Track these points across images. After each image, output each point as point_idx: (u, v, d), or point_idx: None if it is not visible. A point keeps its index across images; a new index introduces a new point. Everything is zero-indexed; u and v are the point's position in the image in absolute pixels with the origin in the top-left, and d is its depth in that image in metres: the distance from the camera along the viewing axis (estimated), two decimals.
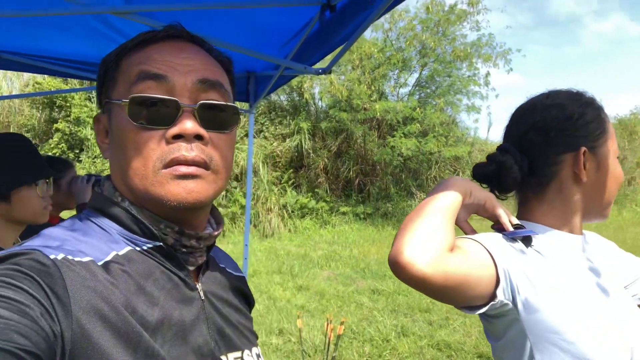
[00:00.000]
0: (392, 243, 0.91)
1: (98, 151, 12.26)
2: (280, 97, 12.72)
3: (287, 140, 11.91)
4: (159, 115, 0.65)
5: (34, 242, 0.61)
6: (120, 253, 0.66)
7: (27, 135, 12.06)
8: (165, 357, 0.60)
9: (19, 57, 2.60)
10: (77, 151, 11.86)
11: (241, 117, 0.78)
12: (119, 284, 0.61)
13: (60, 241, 0.62)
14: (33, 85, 11.61)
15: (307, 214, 10.98)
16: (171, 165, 0.65)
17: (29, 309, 0.51)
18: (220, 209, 10.66)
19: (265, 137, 12.01)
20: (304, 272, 7.24)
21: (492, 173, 1.05)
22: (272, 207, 10.60)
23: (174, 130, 0.65)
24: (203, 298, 0.72)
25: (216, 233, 0.76)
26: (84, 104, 12.08)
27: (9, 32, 2.36)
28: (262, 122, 12.24)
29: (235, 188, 10.83)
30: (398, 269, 0.86)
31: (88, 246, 0.63)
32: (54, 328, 0.53)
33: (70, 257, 0.59)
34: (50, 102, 11.73)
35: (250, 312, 0.89)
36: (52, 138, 11.56)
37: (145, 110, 0.65)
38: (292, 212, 10.83)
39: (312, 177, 11.73)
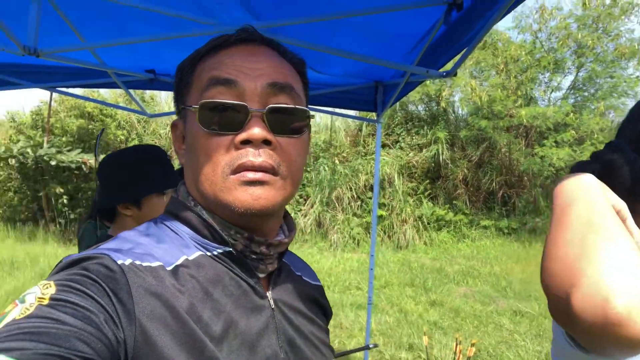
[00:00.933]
0: (558, 275, 0.64)
1: None
2: (418, 107, 12.49)
3: (424, 150, 11.63)
4: (228, 120, 0.65)
5: (108, 245, 0.63)
6: (191, 258, 0.66)
7: None
8: None
9: (171, 78, 2.94)
10: None
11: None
12: (186, 291, 0.61)
13: (132, 244, 0.64)
14: None
15: (443, 226, 10.55)
16: (239, 171, 0.64)
17: (94, 316, 0.51)
18: (354, 219, 10.81)
19: (401, 148, 11.88)
20: (438, 286, 6.95)
21: (597, 175, 0.82)
22: (407, 218, 10.40)
23: (242, 136, 0.64)
24: (273, 307, 0.70)
25: (287, 240, 0.74)
26: None
27: (160, 55, 2.68)
28: (398, 132, 12.14)
29: (370, 198, 10.88)
30: (607, 326, 0.56)
31: (160, 251, 0.64)
32: (117, 334, 0.53)
33: (138, 262, 0.60)
34: None
35: (327, 324, 0.86)
36: None
37: (216, 116, 0.65)
38: (428, 224, 10.50)
39: (450, 189, 11.26)
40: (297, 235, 12.19)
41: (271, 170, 0.65)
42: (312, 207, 12.48)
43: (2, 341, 0.44)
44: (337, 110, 3.29)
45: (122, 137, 13.46)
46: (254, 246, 0.69)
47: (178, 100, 0.74)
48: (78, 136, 12.50)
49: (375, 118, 3.19)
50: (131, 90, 3.01)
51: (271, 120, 0.66)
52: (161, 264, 0.62)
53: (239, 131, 0.65)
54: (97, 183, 1.58)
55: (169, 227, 0.70)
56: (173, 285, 0.60)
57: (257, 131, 0.64)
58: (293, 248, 11.26)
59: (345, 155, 11.95)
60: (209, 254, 0.68)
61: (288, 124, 0.68)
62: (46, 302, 0.50)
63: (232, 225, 0.68)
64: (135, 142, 13.79)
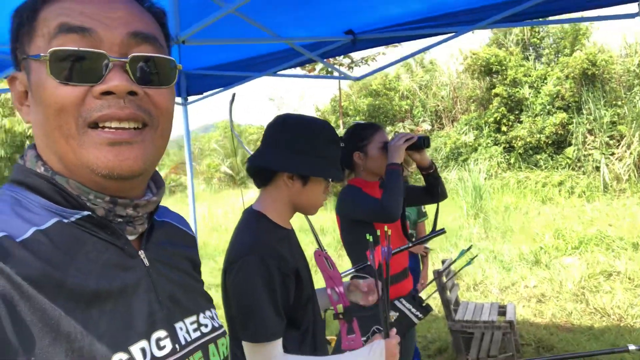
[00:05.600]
0: None
1: (538, 109, 11.86)
2: None
3: None
4: (84, 70, 0.59)
5: None
6: (43, 227, 0.59)
7: (472, 105, 13.07)
8: (95, 335, 0.56)
9: (375, 33, 2.76)
10: (517, 112, 11.92)
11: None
12: (39, 260, 0.55)
13: None
14: (471, 57, 12.38)
15: None
16: (99, 124, 0.59)
17: None
18: None
19: None
20: None
21: None
22: None
23: (102, 87, 0.59)
24: (147, 264, 0.68)
25: (155, 199, 0.70)
26: (520, 64, 12.00)
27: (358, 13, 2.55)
28: None
29: None
30: None
31: (2, 224, 0.56)
32: None
33: None
34: (487, 69, 12.22)
35: (199, 274, 0.84)
36: (492, 104, 12.06)
37: (70, 65, 0.59)
38: None
39: None
40: (611, 184, 10.20)
41: (141, 121, 0.62)
42: (628, 147, 10.36)
43: None
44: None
45: (407, 107, 13.98)
46: (119, 209, 0.65)
47: (17, 49, 0.66)
48: (369, 113, 13.64)
49: None
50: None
51: (135, 71, 0.61)
52: (6, 234, 0.55)
53: (98, 82, 0.59)
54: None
55: (15, 197, 0.62)
56: (22, 256, 0.54)
57: (120, 81, 0.59)
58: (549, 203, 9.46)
59: None
60: (65, 220, 0.62)
61: (155, 74, 0.64)
62: None
63: (90, 190, 0.63)
64: (420, 109, 14.12)
